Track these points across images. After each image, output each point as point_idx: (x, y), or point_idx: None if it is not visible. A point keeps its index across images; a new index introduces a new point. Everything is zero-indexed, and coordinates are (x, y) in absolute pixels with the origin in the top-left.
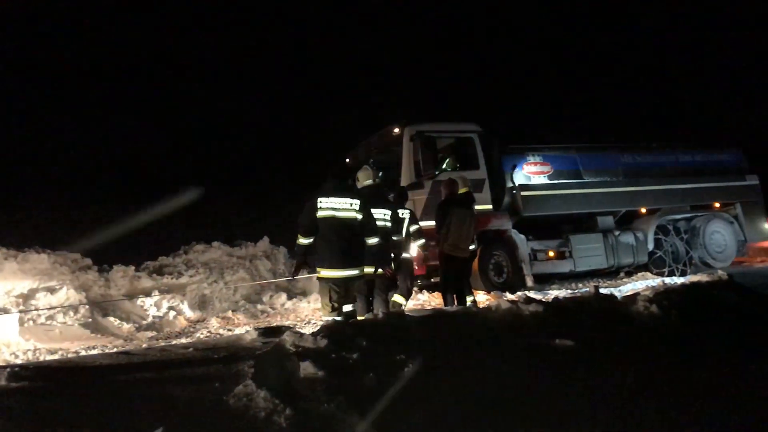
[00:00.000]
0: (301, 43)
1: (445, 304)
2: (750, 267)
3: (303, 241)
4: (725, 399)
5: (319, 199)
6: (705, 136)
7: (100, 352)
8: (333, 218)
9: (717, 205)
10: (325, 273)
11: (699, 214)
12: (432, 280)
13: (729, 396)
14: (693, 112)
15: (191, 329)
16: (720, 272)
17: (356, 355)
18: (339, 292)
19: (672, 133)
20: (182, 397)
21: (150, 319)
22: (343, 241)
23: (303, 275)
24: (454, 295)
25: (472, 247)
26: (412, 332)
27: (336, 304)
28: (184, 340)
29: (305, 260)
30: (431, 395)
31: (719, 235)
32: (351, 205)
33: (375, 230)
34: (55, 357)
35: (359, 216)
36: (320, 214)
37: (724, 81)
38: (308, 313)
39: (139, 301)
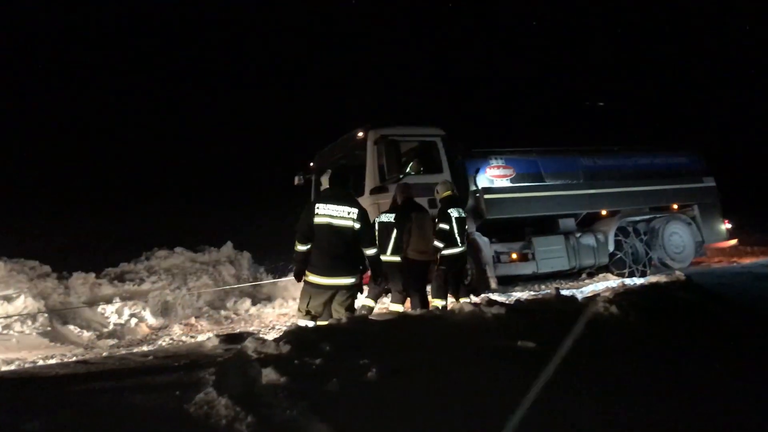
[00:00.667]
0: (268, 47)
1: (412, 308)
2: (708, 267)
3: (300, 247)
4: (686, 396)
5: (317, 206)
6: (663, 139)
7: (59, 361)
8: (328, 226)
9: (675, 206)
10: (311, 278)
11: (658, 215)
12: None
13: (690, 393)
14: (652, 114)
15: (153, 337)
16: (678, 273)
17: (319, 360)
18: (319, 299)
19: (631, 136)
20: (141, 406)
21: (111, 327)
22: (335, 249)
23: (269, 281)
24: (419, 299)
25: (460, 249)
26: (376, 336)
27: (312, 311)
28: (145, 348)
29: (304, 267)
30: (395, 399)
31: (678, 236)
32: (348, 213)
33: (373, 241)
34: (11, 367)
35: (356, 225)
36: (316, 220)
37: (682, 84)
38: (273, 319)
39: (99, 309)
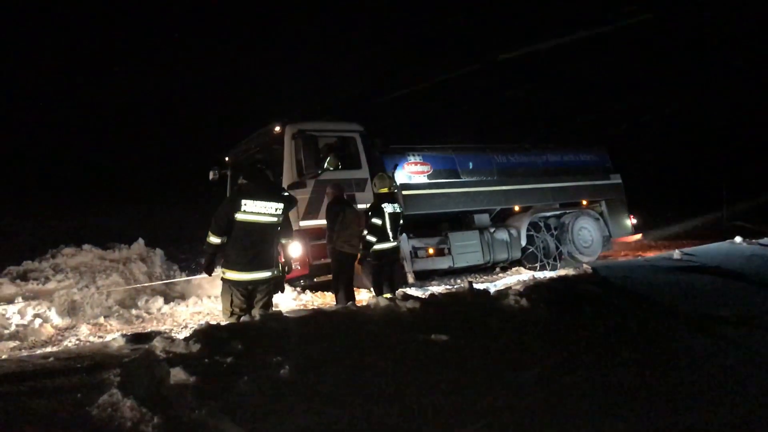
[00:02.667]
0: (179, 36)
1: (337, 302)
2: (614, 261)
3: (214, 239)
4: (589, 384)
5: (243, 202)
6: (572, 138)
7: None
8: (256, 224)
9: (584, 202)
10: (231, 275)
11: (568, 211)
12: (315, 279)
13: (592, 382)
14: (561, 114)
15: (59, 338)
16: (586, 266)
17: (230, 359)
18: (242, 297)
19: (541, 135)
20: (40, 410)
21: (12, 328)
22: (259, 245)
23: (182, 278)
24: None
25: (392, 244)
26: (289, 333)
27: (237, 309)
28: (49, 349)
29: (215, 259)
30: (307, 396)
31: (586, 231)
32: (276, 210)
33: (290, 233)
34: None
35: (279, 219)
36: (241, 217)
37: (590, 85)
38: (186, 318)
39: (0, 309)
